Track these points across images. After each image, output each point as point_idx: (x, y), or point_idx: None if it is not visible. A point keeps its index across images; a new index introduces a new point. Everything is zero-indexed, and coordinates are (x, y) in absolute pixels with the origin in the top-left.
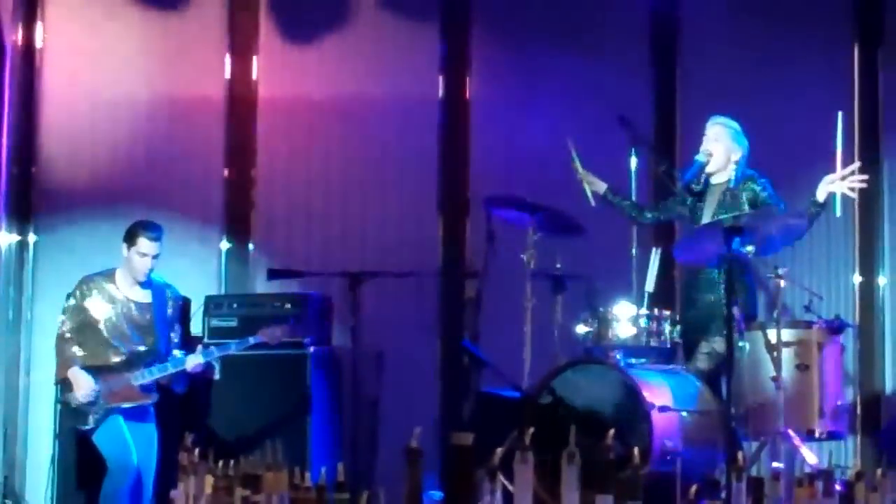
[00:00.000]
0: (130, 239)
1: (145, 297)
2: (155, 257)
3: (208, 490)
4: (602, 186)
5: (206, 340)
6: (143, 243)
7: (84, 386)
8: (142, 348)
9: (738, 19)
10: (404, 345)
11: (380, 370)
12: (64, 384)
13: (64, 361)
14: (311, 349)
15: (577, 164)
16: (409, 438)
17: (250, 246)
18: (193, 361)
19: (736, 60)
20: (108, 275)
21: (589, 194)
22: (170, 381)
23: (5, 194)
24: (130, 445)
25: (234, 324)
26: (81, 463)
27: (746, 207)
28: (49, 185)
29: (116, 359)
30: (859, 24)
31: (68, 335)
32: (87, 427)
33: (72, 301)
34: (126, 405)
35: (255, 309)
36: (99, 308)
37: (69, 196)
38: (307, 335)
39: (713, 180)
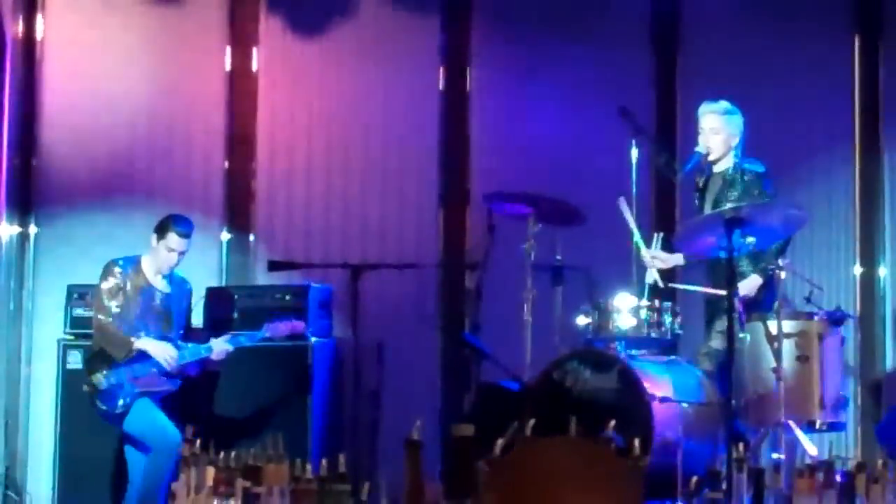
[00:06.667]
0: (161, 231)
1: (166, 287)
2: (182, 253)
3: (209, 482)
4: (679, 259)
5: (204, 331)
6: (173, 239)
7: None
8: (159, 336)
9: (739, 10)
10: (405, 336)
11: (380, 361)
12: (130, 352)
13: (123, 340)
14: (312, 340)
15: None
16: (410, 430)
17: (251, 237)
18: (221, 347)
19: (736, 51)
20: (135, 261)
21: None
22: (183, 367)
23: (6, 186)
24: (168, 422)
25: (234, 315)
26: (87, 454)
27: (736, 195)
28: (50, 176)
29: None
30: (860, 14)
31: (115, 314)
32: (116, 411)
33: (109, 282)
34: (150, 390)
35: (256, 300)
36: (128, 291)
37: (70, 188)
38: (312, 332)
39: (715, 169)
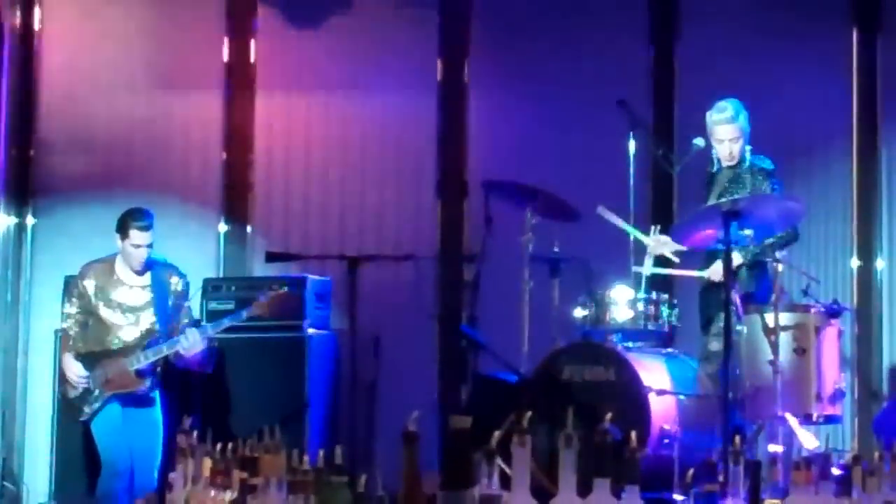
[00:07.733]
0: (122, 231)
1: (144, 280)
2: (149, 246)
3: (206, 473)
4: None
5: (203, 323)
6: (135, 235)
7: (73, 372)
8: (139, 333)
9: (737, 3)
10: (402, 328)
11: (378, 353)
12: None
13: (63, 349)
14: (309, 332)
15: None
16: (407, 422)
17: (248, 228)
18: (192, 340)
19: (734, 45)
20: (108, 261)
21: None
22: (192, 363)
23: (3, 177)
24: (124, 441)
25: (231, 306)
26: (82, 446)
27: (744, 191)
28: (47, 167)
29: (115, 344)
30: (858, 9)
31: (70, 323)
32: (82, 419)
33: (73, 290)
34: (122, 392)
35: (253, 291)
36: (99, 295)
37: (67, 179)
38: (309, 324)
39: (724, 163)
